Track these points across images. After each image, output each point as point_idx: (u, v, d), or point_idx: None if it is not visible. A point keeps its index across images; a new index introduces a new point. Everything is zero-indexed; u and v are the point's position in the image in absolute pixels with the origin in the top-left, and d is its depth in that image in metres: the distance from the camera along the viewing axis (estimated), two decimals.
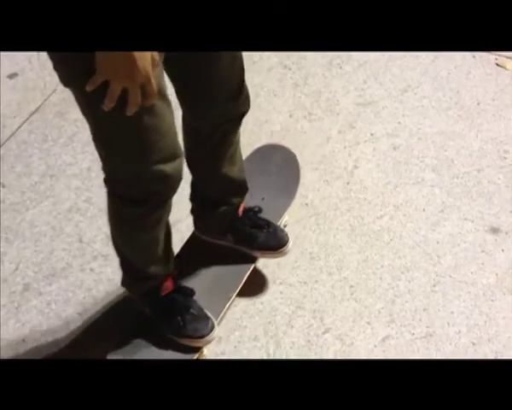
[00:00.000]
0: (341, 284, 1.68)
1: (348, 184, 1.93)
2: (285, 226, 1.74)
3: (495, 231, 1.76)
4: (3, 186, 1.98)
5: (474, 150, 1.97)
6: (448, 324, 1.58)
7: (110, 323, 1.65)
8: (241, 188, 1.59)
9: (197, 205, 1.62)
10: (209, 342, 1.50)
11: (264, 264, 1.73)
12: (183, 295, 1.50)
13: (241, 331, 1.60)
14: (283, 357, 1.54)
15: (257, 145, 1.92)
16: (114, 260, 1.55)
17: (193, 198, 1.61)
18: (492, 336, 1.55)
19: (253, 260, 1.64)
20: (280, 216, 1.72)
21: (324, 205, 1.87)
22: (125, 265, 1.47)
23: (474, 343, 1.54)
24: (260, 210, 1.65)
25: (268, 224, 1.63)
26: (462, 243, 1.75)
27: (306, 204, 1.88)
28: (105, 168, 1.27)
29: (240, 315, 1.63)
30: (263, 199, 1.72)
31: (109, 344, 1.50)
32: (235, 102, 1.39)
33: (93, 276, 1.74)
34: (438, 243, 1.75)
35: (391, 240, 1.77)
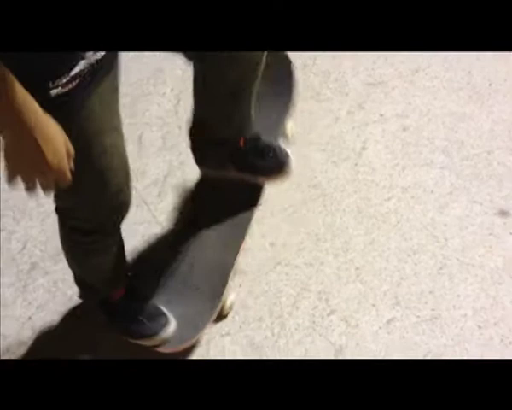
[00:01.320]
0: (347, 265, 1.68)
1: (356, 165, 1.91)
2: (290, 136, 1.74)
3: (504, 214, 1.74)
4: None
5: (484, 132, 1.94)
6: (454, 307, 1.57)
7: None
8: (240, 152, 1.60)
9: (197, 140, 1.59)
10: (166, 340, 1.48)
11: (270, 243, 1.73)
12: (132, 299, 1.51)
13: (246, 312, 1.60)
14: (288, 338, 1.54)
15: None
16: None
17: (192, 133, 1.58)
18: (499, 320, 1.54)
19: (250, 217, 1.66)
20: (280, 128, 1.71)
21: (331, 186, 1.86)
22: (77, 280, 1.49)
23: (479, 327, 1.53)
24: (259, 136, 1.61)
25: (269, 148, 1.61)
26: (471, 225, 1.73)
27: (314, 185, 1.87)
28: (58, 203, 1.26)
29: (245, 296, 1.63)
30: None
31: None
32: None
33: None
34: (445, 225, 1.74)
35: (398, 222, 1.76)
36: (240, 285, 1.65)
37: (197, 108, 1.52)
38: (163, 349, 1.48)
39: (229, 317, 1.59)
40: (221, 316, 1.57)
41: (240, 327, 1.58)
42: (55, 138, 0.90)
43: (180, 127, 2.04)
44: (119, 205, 1.25)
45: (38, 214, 1.84)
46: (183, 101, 2.13)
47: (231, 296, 1.59)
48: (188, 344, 1.49)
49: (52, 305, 1.66)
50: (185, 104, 2.11)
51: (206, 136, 1.55)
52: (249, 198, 1.69)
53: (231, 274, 1.56)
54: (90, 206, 1.22)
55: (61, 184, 0.95)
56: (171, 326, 1.48)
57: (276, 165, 1.61)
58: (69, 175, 0.95)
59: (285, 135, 1.72)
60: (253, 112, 1.54)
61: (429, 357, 1.48)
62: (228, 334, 1.56)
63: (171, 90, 2.18)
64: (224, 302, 1.55)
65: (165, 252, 1.65)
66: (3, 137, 0.85)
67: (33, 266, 1.74)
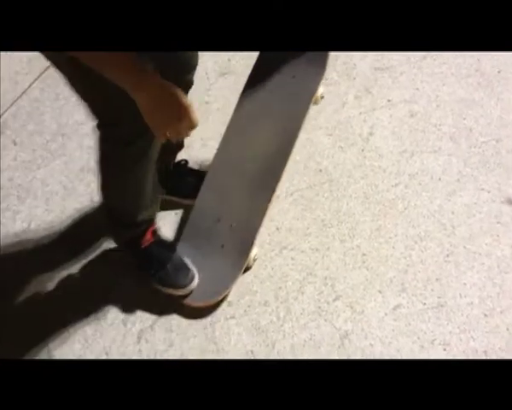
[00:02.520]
0: (353, 251, 1.67)
1: (363, 151, 1.89)
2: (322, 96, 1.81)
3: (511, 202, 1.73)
4: (15, 144, 1.97)
5: (493, 119, 1.92)
6: (460, 295, 1.57)
7: (122, 281, 1.65)
8: (176, 146, 1.72)
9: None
10: (191, 291, 1.57)
11: (277, 228, 1.72)
12: (161, 248, 1.61)
13: (252, 296, 1.59)
14: (293, 322, 1.53)
15: None
16: None
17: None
18: (505, 309, 1.54)
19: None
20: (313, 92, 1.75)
21: (338, 172, 1.85)
22: (112, 212, 1.56)
23: (485, 315, 1.53)
24: (187, 162, 1.80)
25: (193, 172, 1.79)
26: (478, 213, 1.72)
27: (320, 170, 1.85)
28: (101, 117, 1.33)
29: (250, 279, 1.62)
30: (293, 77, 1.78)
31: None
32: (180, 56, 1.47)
33: (105, 236, 1.73)
34: (453, 213, 1.73)
35: (405, 209, 1.75)
36: (245, 269, 1.64)
37: None
38: (192, 302, 1.56)
39: (235, 300, 1.59)
40: (246, 268, 1.63)
41: (245, 311, 1.57)
42: (177, 94, 1.14)
43: None
44: None
45: (43, 194, 1.83)
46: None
47: (255, 250, 1.62)
48: (214, 300, 1.56)
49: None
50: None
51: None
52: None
53: (257, 234, 1.60)
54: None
55: (191, 128, 1.18)
56: (196, 280, 1.57)
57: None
58: (196, 119, 1.17)
59: (316, 99, 1.76)
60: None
61: (435, 344, 1.48)
62: (233, 317, 1.56)
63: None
64: (249, 256, 1.60)
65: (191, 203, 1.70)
66: (146, 105, 1.12)
67: (38, 245, 1.73)
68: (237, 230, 1.61)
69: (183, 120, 1.16)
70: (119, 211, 1.54)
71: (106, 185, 1.49)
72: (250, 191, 1.65)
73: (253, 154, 1.70)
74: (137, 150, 1.37)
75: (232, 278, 1.57)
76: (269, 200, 1.62)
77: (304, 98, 1.74)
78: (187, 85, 1.55)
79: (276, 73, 1.79)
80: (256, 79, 1.78)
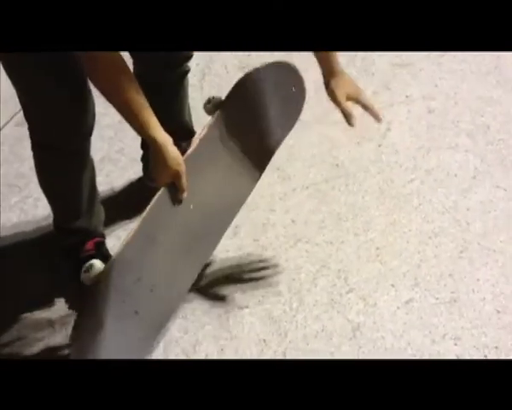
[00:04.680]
0: (367, 245, 1.68)
1: (380, 146, 1.91)
2: None
3: None
4: None
5: (511, 117, 1.92)
6: (473, 290, 1.57)
7: None
8: (188, 132, 1.71)
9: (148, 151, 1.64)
10: None
11: (292, 220, 1.74)
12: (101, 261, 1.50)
13: (265, 287, 1.62)
14: (306, 313, 1.55)
15: None
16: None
17: (143, 145, 1.70)
18: None
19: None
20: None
21: (354, 166, 1.86)
22: (55, 220, 1.62)
23: (498, 311, 1.53)
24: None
25: None
26: (493, 210, 1.72)
27: (336, 165, 1.87)
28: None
29: (264, 271, 1.65)
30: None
31: None
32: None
33: (124, 225, 1.77)
34: (468, 209, 1.73)
35: (420, 204, 1.76)
36: (260, 260, 1.66)
37: None
38: None
39: (249, 291, 1.61)
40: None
41: (259, 301, 1.60)
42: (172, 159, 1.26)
43: None
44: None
45: None
46: (208, 76, 2.14)
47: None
48: None
49: None
50: (210, 79, 2.12)
51: None
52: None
53: (177, 307, 1.50)
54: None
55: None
56: None
57: None
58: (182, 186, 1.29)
59: None
60: (190, 119, 1.74)
61: (446, 339, 1.49)
62: (247, 307, 1.58)
63: (197, 64, 2.19)
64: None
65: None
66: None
67: None
68: (156, 296, 1.38)
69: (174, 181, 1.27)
70: (54, 215, 1.60)
71: (40, 183, 1.56)
72: (181, 250, 1.40)
73: (197, 204, 1.38)
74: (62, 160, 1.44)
75: (139, 353, 1.39)
76: (199, 268, 1.47)
77: (264, 154, 1.53)
78: (183, 73, 1.60)
79: (246, 115, 1.46)
80: (227, 115, 1.42)
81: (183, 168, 1.27)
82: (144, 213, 1.29)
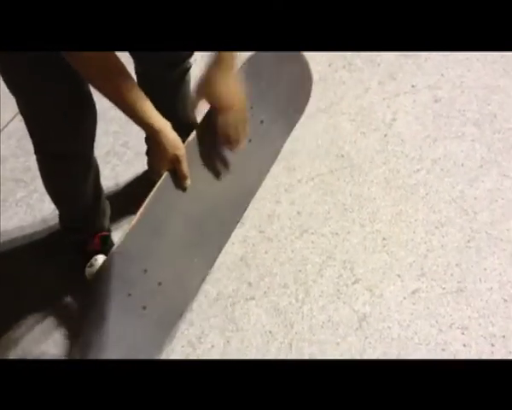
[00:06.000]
0: (373, 236, 1.68)
1: (385, 136, 1.90)
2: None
3: None
4: None
5: None
6: (480, 280, 1.56)
7: None
8: (192, 127, 1.66)
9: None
10: None
11: (297, 212, 1.74)
12: (105, 255, 1.54)
13: (271, 278, 1.62)
14: (312, 304, 1.55)
15: None
16: None
17: (148, 139, 1.68)
18: None
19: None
20: (277, 147, 1.50)
21: (360, 157, 1.85)
22: (61, 220, 1.65)
23: (505, 300, 1.52)
24: None
25: None
26: (500, 199, 1.71)
27: (342, 155, 1.86)
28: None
29: (270, 262, 1.65)
30: (261, 122, 1.41)
31: None
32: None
33: (129, 219, 1.77)
34: (475, 198, 1.72)
35: (426, 194, 1.75)
36: (266, 252, 1.66)
37: None
38: None
39: (255, 282, 1.61)
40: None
41: (265, 292, 1.59)
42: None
43: None
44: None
45: None
46: None
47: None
48: None
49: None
50: None
51: None
52: None
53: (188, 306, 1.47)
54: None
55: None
56: None
57: None
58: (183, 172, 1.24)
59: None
60: (193, 114, 1.64)
61: (453, 328, 1.48)
62: (253, 298, 1.58)
63: (202, 56, 2.19)
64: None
65: None
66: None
67: None
68: (164, 291, 1.30)
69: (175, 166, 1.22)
70: (59, 212, 1.62)
71: (44, 185, 1.57)
72: (189, 244, 1.34)
73: (201, 194, 1.32)
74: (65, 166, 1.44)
75: (146, 354, 1.32)
76: (209, 265, 1.42)
77: (268, 152, 1.49)
78: (184, 71, 1.59)
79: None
80: None
81: (182, 152, 1.22)
82: (146, 202, 1.22)
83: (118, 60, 1.13)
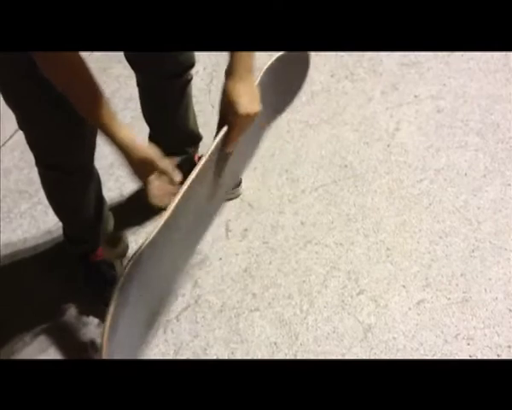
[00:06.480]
0: (377, 246, 1.67)
1: (389, 146, 1.90)
2: None
3: None
4: None
5: None
6: (485, 290, 1.56)
7: None
8: (195, 138, 1.75)
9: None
10: None
11: (301, 222, 1.73)
12: (109, 266, 1.57)
13: (276, 289, 1.61)
14: (317, 315, 1.55)
15: (297, 102, 1.88)
16: (154, 213, 1.59)
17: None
18: None
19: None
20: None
21: (363, 167, 1.85)
22: (65, 231, 1.66)
23: (510, 310, 1.52)
24: None
25: None
26: (504, 209, 1.71)
27: (345, 165, 1.86)
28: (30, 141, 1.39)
29: (275, 273, 1.64)
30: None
31: None
32: (178, 57, 1.51)
33: (134, 230, 1.77)
34: (479, 208, 1.72)
35: (430, 204, 1.75)
36: (270, 263, 1.66)
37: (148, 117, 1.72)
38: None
39: (259, 293, 1.61)
40: None
41: (269, 303, 1.59)
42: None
43: (213, 106, 2.06)
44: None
45: None
46: (215, 79, 2.14)
47: None
48: None
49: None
50: (218, 83, 2.12)
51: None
52: None
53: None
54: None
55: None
56: None
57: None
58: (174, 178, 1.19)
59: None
60: (196, 125, 1.75)
61: (458, 339, 1.47)
62: (257, 309, 1.58)
63: (204, 68, 2.20)
64: None
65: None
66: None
67: None
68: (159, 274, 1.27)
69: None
70: (63, 224, 1.63)
71: (47, 198, 1.57)
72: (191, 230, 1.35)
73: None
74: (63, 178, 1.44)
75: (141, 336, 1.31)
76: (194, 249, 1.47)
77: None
78: (185, 82, 1.60)
79: None
80: None
81: (155, 162, 1.15)
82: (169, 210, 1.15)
83: (84, 65, 1.08)
